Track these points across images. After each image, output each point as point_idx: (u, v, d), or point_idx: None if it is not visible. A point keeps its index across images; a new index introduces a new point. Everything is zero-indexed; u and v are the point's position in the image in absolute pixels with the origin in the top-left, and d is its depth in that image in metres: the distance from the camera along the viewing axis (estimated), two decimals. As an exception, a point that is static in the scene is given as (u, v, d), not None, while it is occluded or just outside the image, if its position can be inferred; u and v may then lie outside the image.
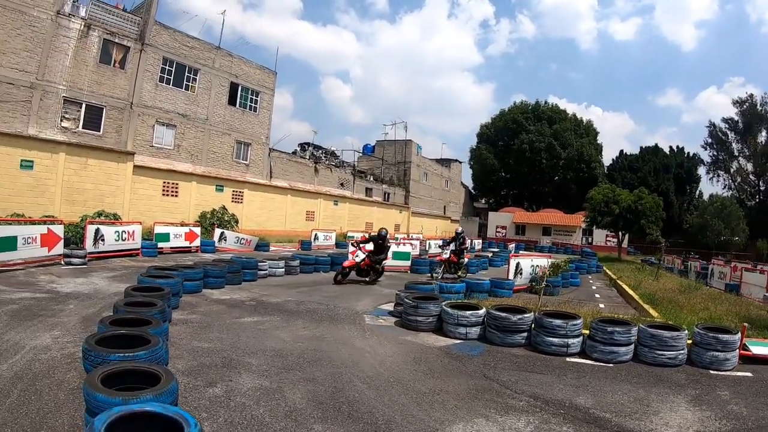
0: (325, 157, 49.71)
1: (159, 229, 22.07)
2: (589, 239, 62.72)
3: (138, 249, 19.84)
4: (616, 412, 5.93)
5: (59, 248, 15.65)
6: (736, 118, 71.67)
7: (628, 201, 42.27)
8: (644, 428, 5.53)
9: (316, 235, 32.55)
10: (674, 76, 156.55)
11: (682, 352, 8.28)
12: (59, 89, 25.45)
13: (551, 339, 8.49)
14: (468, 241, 23.05)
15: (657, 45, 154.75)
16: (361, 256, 15.91)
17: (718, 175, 74.69)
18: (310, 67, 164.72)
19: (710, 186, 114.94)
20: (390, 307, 11.91)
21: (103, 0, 28.37)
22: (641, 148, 78.41)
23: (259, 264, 15.79)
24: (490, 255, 31.75)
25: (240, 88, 36.53)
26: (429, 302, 9.96)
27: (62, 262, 15.56)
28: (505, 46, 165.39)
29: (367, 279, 16.34)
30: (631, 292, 17.83)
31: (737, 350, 8.37)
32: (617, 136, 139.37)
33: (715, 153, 74.75)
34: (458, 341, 9.06)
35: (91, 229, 17.66)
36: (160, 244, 21.26)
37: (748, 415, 6.14)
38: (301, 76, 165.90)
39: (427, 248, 31.67)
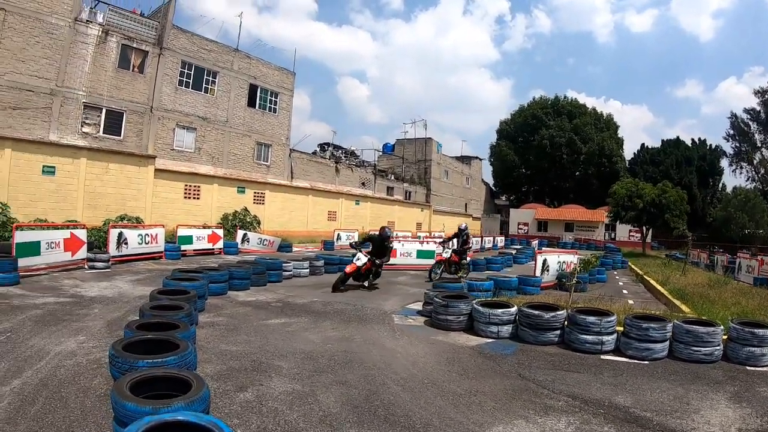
0: (345, 156, 49.63)
1: (182, 232, 21.98)
2: (612, 234, 62.12)
3: (161, 252, 19.77)
4: (656, 411, 5.73)
5: (82, 252, 15.58)
6: (758, 108, 70.38)
7: (651, 195, 41.57)
8: (686, 427, 5.34)
9: (338, 235, 32.44)
10: (692, 67, 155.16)
11: (717, 348, 8.04)
12: (79, 95, 25.55)
13: (585, 336, 8.26)
14: (472, 239, 22.45)
15: (674, 36, 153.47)
16: (363, 259, 14.11)
17: (741, 167, 73.55)
18: (326, 68, 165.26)
19: (733, 178, 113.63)
20: (418, 306, 11.68)
21: (120, 6, 28.48)
22: (663, 141, 77.53)
23: (283, 265, 15.67)
24: (513, 252, 31.48)
25: (259, 90, 36.50)
26: (459, 301, 9.72)
27: (86, 266, 15.47)
28: (522, 42, 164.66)
29: (365, 284, 14.59)
30: (659, 287, 17.51)
31: (774, 345, 8.11)
32: (636, 129, 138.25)
33: (738, 144, 73.47)
34: (490, 340, 8.83)
35: (114, 233, 17.61)
36: (183, 247, 21.19)
37: (789, 413, 5.88)
38: (317, 78, 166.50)
39: (451, 246, 31.32)
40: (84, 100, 25.80)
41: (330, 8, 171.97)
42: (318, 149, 50.17)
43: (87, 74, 25.87)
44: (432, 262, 21.16)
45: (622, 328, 8.48)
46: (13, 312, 8.92)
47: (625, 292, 18.24)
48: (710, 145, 75.02)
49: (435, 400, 5.80)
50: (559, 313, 8.75)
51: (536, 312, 8.75)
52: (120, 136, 27.41)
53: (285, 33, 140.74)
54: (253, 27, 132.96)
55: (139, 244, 18.67)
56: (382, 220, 45.39)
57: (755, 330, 8.00)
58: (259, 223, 31.26)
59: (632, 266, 28.59)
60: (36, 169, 22.16)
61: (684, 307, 12.76)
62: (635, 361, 7.86)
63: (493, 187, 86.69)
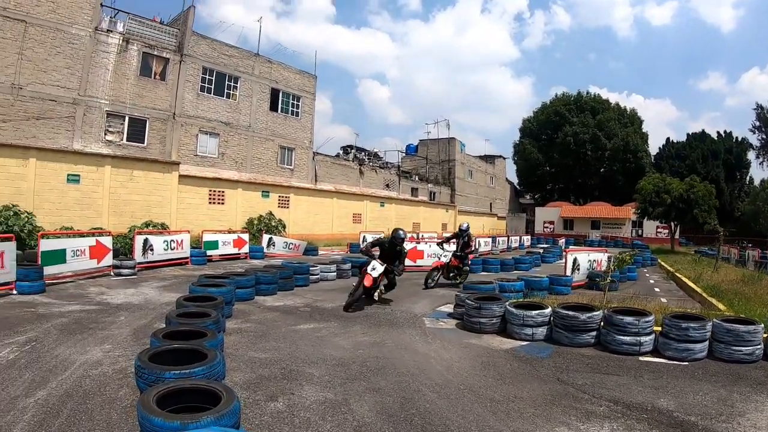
0: (368, 159, 49.62)
1: (207, 237, 21.92)
2: (639, 231, 61.43)
3: (187, 258, 19.72)
4: (701, 415, 5.53)
5: (108, 259, 15.55)
6: (785, 98, 68.80)
7: (679, 190, 41.02)
8: (733, 431, 5.15)
9: (364, 237, 32.21)
10: (715, 58, 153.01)
11: (758, 347, 7.80)
12: (102, 103, 25.67)
13: (622, 337, 8.03)
14: (475, 241, 20.10)
15: (695, 28, 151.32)
16: (380, 269, 11.65)
17: (768, 159, 71.94)
18: (346, 71, 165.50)
19: (761, 171, 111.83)
20: (449, 308, 11.52)
21: (140, 14, 28.60)
22: (688, 134, 76.26)
23: (310, 269, 15.49)
24: (541, 251, 31.21)
25: (281, 94, 36.49)
26: (492, 303, 9.47)
27: (112, 273, 15.46)
28: (542, 39, 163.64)
29: (375, 297, 12.15)
30: (692, 284, 17.17)
31: (817, 344, 7.81)
32: (660, 123, 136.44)
33: (764, 136, 71.51)
34: (524, 343, 8.62)
35: (139, 240, 17.58)
36: (209, 252, 21.14)
37: (836, 413, 5.61)
38: (338, 81, 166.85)
39: (477, 247, 31.04)
40: (107, 109, 25.92)
41: (348, 11, 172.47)
42: (341, 152, 50.17)
43: (109, 83, 26.00)
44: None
45: (659, 329, 8.26)
46: (39, 320, 8.84)
47: (657, 290, 17.98)
48: (736, 137, 73.57)
49: (472, 407, 5.61)
50: (595, 313, 8.53)
51: (572, 313, 8.54)
52: (143, 143, 27.52)
53: (304, 37, 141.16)
54: (272, 32, 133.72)
55: (164, 250, 18.62)
56: (407, 221, 45.22)
57: (797, 328, 7.75)
58: (284, 226, 31.14)
59: (662, 263, 28.30)
60: (61, 177, 22.22)
61: (720, 305, 12.49)
62: (674, 362, 7.63)
63: (517, 186, 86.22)
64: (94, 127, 25.31)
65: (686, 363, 7.58)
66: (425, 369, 6.94)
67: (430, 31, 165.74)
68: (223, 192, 30.16)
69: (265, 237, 25.47)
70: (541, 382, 6.56)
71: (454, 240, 16.57)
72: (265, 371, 6.52)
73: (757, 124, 71.22)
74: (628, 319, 8.07)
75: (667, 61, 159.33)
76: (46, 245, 13.45)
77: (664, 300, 14.39)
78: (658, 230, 57.62)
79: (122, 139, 26.58)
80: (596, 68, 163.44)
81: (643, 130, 77.81)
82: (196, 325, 6.55)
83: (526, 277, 15.57)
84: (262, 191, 32.85)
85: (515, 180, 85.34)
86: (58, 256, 13.61)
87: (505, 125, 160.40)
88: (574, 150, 72.69)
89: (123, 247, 18.50)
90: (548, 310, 8.93)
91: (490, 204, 70.81)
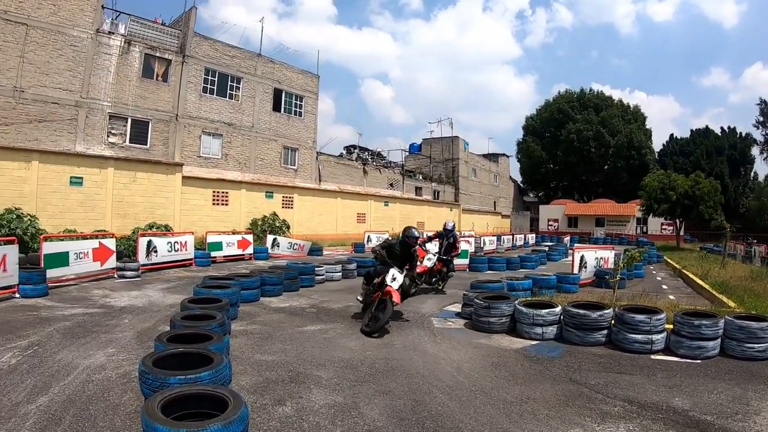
0: (372, 158, 49.60)
1: (211, 238, 21.84)
2: (644, 228, 61.27)
3: (191, 259, 19.62)
4: (717, 414, 5.46)
5: (112, 262, 15.44)
6: (788, 92, 68.61)
7: (684, 186, 40.91)
8: (749, 430, 5.08)
9: (369, 237, 32.33)
10: (717, 54, 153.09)
11: None
12: (104, 105, 25.64)
13: (634, 336, 7.97)
14: (461, 242, 18.05)
15: (697, 24, 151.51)
16: (400, 279, 9.36)
17: (773, 155, 71.66)
18: (348, 71, 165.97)
19: (765, 166, 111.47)
20: (456, 308, 11.40)
21: (141, 16, 28.56)
22: (692, 131, 76.26)
23: (315, 269, 15.41)
24: (546, 249, 31.12)
25: (284, 94, 36.43)
26: (501, 302, 9.36)
27: (115, 276, 15.36)
28: (544, 37, 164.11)
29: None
30: (700, 281, 17.09)
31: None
32: (664, 120, 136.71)
33: (768, 132, 71.89)
34: (535, 342, 8.53)
35: (143, 242, 17.50)
36: (213, 254, 21.05)
37: None
38: (340, 81, 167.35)
39: (482, 245, 30.98)
40: (109, 111, 25.88)
41: (349, 11, 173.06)
42: (344, 152, 50.30)
43: (111, 85, 25.96)
44: (466, 262, 20.77)
45: (670, 326, 8.19)
46: (41, 324, 8.74)
47: (664, 287, 17.89)
48: (740, 133, 73.52)
49: (485, 409, 5.50)
50: (606, 312, 8.44)
51: (583, 311, 8.46)
52: (146, 144, 27.47)
53: (306, 38, 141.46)
54: (273, 33, 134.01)
55: (168, 251, 18.52)
56: (412, 220, 45.07)
57: (810, 324, 7.71)
58: (288, 227, 31.08)
59: (668, 260, 28.25)
60: (64, 180, 22.16)
61: (730, 302, 12.39)
62: (687, 360, 7.58)
63: (521, 184, 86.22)
64: (96, 129, 25.26)
65: (699, 361, 7.53)
66: (435, 370, 6.83)
67: (432, 31, 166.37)
68: (226, 193, 30.07)
69: (270, 237, 25.39)
70: (553, 383, 6.48)
71: (437, 240, 15.17)
72: (272, 374, 6.41)
73: (761, 119, 70.99)
74: (640, 317, 7.99)
75: (670, 58, 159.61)
76: (48, 248, 13.37)
77: (672, 297, 14.34)
78: (663, 227, 57.52)
79: (125, 141, 26.52)
80: (599, 65, 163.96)
81: (647, 127, 77.72)
82: (201, 328, 6.43)
83: (533, 275, 15.47)
84: (266, 192, 32.77)
85: (519, 178, 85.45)
86: (61, 259, 13.51)
87: (508, 123, 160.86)
88: (577, 147, 72.59)
89: (126, 249, 18.41)
90: (558, 309, 8.84)
91: (494, 202, 70.73)
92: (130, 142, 26.72)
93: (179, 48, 29.54)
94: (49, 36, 23.71)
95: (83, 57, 24.83)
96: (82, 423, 4.75)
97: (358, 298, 10.26)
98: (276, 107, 35.87)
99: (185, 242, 19.50)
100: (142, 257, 17.19)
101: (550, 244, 41.04)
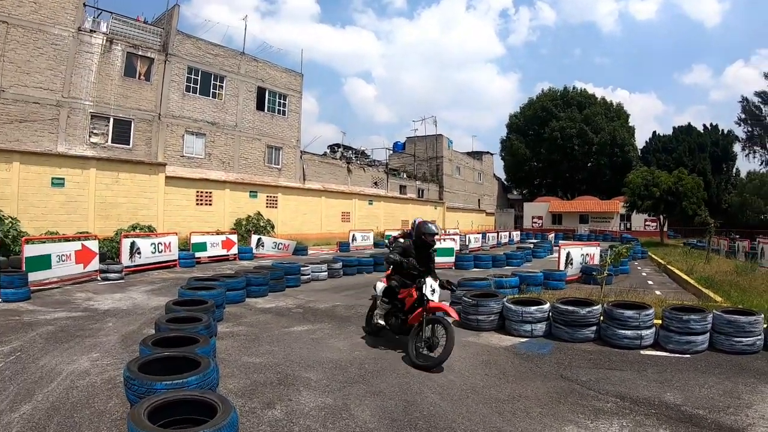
0: (356, 157, 49.53)
1: (195, 239, 21.69)
2: (628, 225, 61.87)
3: (175, 260, 19.47)
4: (708, 408, 5.54)
5: (95, 264, 15.26)
6: (770, 91, 69.27)
7: (668, 183, 41.25)
8: (742, 423, 5.15)
9: (353, 235, 32.27)
10: (699, 52, 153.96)
11: (759, 337, 7.85)
12: (86, 105, 25.32)
13: (623, 332, 8.04)
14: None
15: (679, 22, 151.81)
16: (437, 289, 7.48)
17: (755, 152, 71.98)
18: (332, 70, 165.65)
19: (747, 163, 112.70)
20: (444, 306, 11.29)
21: (124, 14, 28.23)
22: (674, 128, 76.47)
23: (301, 269, 15.31)
24: (531, 246, 31.34)
25: (267, 93, 36.25)
26: (490, 299, 9.40)
27: (99, 278, 15.19)
28: (527, 35, 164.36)
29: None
30: (685, 276, 17.25)
31: (818, 333, 7.89)
32: (646, 118, 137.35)
33: (750, 128, 72.33)
34: (524, 339, 8.56)
35: (126, 243, 17.33)
36: (197, 254, 20.91)
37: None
38: (324, 80, 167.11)
39: (467, 243, 31.05)
40: (91, 110, 25.56)
41: (333, 10, 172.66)
42: (328, 151, 50.17)
43: (93, 84, 25.64)
44: (452, 260, 20.81)
45: (659, 322, 8.28)
46: (24, 329, 8.60)
47: (650, 282, 18.04)
48: (722, 130, 73.97)
49: (477, 408, 5.49)
50: (595, 308, 8.51)
51: (572, 308, 8.52)
52: (129, 144, 27.17)
53: (289, 37, 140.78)
54: (257, 32, 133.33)
55: (152, 253, 18.37)
56: (396, 219, 45.13)
57: (798, 317, 7.82)
58: (272, 227, 30.94)
59: (653, 256, 28.55)
60: (45, 181, 21.90)
61: (716, 297, 12.55)
62: (676, 355, 7.66)
63: (505, 182, 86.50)
64: (78, 129, 24.94)
65: (688, 356, 7.62)
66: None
67: (416, 29, 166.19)
68: (210, 193, 29.89)
69: (254, 237, 25.25)
70: (544, 380, 6.51)
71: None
72: (260, 377, 6.34)
73: (743, 116, 71.90)
74: (629, 312, 8.06)
75: (652, 56, 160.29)
76: (30, 251, 13.14)
77: (659, 293, 14.38)
78: (646, 223, 58.05)
79: (107, 141, 26.20)
80: (582, 64, 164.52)
81: (630, 125, 78.32)
82: (187, 331, 6.34)
83: (519, 272, 15.51)
84: (250, 191, 32.61)
85: (503, 176, 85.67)
86: (44, 262, 13.29)
87: (492, 122, 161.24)
88: (561, 145, 72.95)
89: (110, 251, 18.24)
90: (547, 306, 8.88)
91: (479, 200, 70.97)
92: (112, 142, 26.40)
93: (162, 46, 29.25)
94: (30, 34, 23.35)
95: (65, 56, 24.51)
96: (67, 431, 4.66)
97: (378, 321, 7.91)
98: (260, 106, 35.68)
99: (169, 243, 19.34)
100: (125, 259, 17.02)
101: (535, 241, 41.31)
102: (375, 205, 45.38)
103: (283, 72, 37.68)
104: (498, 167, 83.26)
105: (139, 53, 28.00)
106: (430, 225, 8.21)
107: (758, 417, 5.27)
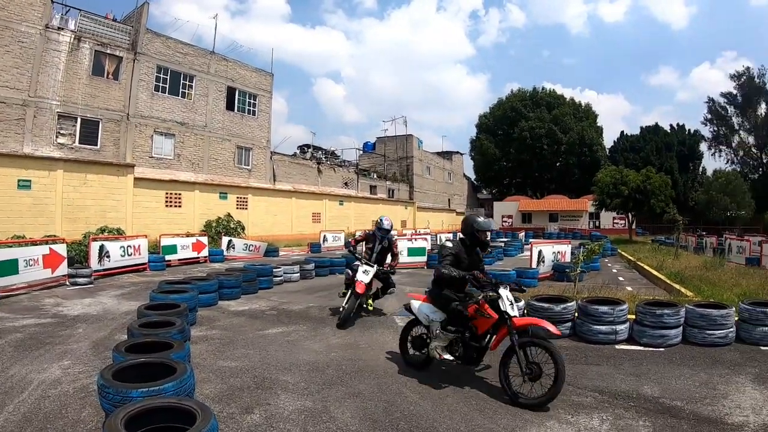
0: (326, 157, 49.44)
1: (165, 242, 21.36)
2: (597, 223, 62.99)
3: (145, 263, 19.16)
4: (686, 399, 5.69)
5: (63, 268, 14.96)
6: (735, 92, 71.16)
7: (636, 181, 42.24)
8: (719, 413, 5.29)
9: (324, 236, 32.18)
10: (666, 54, 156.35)
11: (731, 330, 8.07)
12: (53, 105, 24.92)
13: (598, 327, 8.19)
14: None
15: (647, 24, 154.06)
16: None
17: (720, 150, 74.24)
18: (301, 70, 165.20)
19: (713, 162, 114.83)
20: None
21: (93, 11, 27.79)
22: (642, 128, 78.06)
23: (273, 270, 15.19)
24: (502, 245, 31.46)
25: (237, 93, 36.08)
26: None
27: (67, 283, 14.88)
28: (496, 36, 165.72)
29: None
30: (656, 272, 17.62)
31: (787, 324, 8.15)
32: (614, 118, 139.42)
33: (716, 128, 74.28)
34: (499, 336, 8.53)
35: (95, 246, 17.03)
36: (167, 257, 20.57)
37: (814, 388, 5.95)
38: (293, 80, 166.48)
39: (438, 242, 31.11)
40: (58, 110, 25.17)
41: (303, 10, 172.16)
42: (298, 151, 50.08)
43: (60, 83, 25.25)
44: (424, 259, 20.83)
45: (633, 317, 8.45)
46: (-9, 337, 8.36)
47: (621, 279, 18.33)
48: (689, 130, 75.71)
49: (458, 406, 5.52)
50: (569, 304, 8.63)
51: (546, 305, 8.63)
52: (97, 145, 26.79)
53: (259, 37, 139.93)
54: (227, 31, 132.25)
55: (121, 256, 18.06)
56: (367, 219, 45.09)
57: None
58: (243, 228, 30.68)
59: (623, 253, 29.01)
60: (11, 183, 21.47)
61: (687, 291, 12.80)
62: (651, 348, 7.83)
63: (475, 182, 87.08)
64: (45, 130, 24.54)
65: (662, 349, 7.80)
66: (404, 370, 6.81)
67: (386, 29, 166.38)
68: (179, 194, 29.61)
69: (225, 239, 24.99)
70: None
71: (364, 243, 10.84)
72: (237, 381, 6.28)
73: (709, 116, 73.66)
74: (604, 308, 8.20)
75: (620, 58, 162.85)
76: (-4, 255, 12.84)
77: (630, 288, 14.65)
78: (615, 221, 58.99)
79: (74, 142, 25.83)
80: (550, 65, 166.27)
81: (598, 125, 79.51)
82: (160, 336, 6.23)
83: (492, 270, 15.46)
84: (220, 192, 32.39)
85: (473, 175, 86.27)
86: (10, 267, 12.95)
87: (461, 122, 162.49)
88: (530, 145, 73.75)
89: (78, 255, 17.89)
90: (522, 303, 8.84)
91: (449, 200, 71.37)
92: (79, 143, 26.03)
93: (131, 45, 28.88)
94: (-5, 32, 22.94)
95: (31, 54, 24.09)
96: (41, 442, 4.55)
97: (444, 356, 6.33)
98: (229, 106, 35.49)
99: (138, 246, 19.03)
100: (94, 263, 16.70)
101: (506, 239, 41.45)
102: (346, 206, 45.39)
103: (253, 72, 37.51)
104: (468, 167, 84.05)
105: (108, 52, 27.65)
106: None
107: (734, 407, 5.42)
